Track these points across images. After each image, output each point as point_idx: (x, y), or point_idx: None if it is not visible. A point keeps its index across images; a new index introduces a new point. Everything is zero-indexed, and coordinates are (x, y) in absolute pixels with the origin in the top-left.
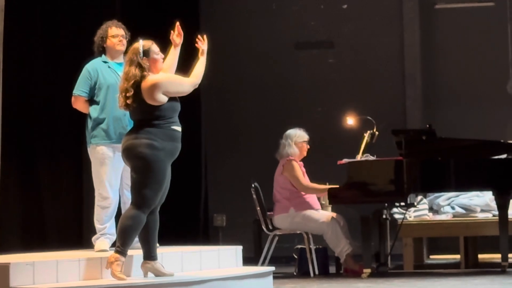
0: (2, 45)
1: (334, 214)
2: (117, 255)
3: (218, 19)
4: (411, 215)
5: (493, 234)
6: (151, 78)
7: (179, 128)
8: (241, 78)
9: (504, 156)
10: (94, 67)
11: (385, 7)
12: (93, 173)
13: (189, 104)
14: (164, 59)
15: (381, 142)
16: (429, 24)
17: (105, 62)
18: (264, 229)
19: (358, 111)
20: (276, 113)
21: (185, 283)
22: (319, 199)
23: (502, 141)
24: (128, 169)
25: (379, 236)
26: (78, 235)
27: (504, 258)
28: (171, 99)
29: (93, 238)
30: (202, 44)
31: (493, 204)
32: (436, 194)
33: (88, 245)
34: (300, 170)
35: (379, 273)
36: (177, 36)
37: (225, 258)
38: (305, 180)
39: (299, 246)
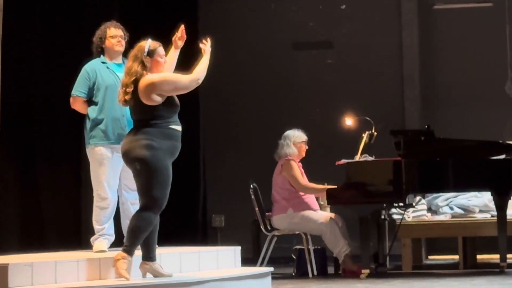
0: (1, 45)
1: (332, 215)
2: (124, 254)
3: (216, 19)
4: (410, 215)
5: (492, 235)
6: (147, 78)
7: (178, 128)
8: (239, 79)
9: (502, 156)
10: (92, 67)
11: (383, 7)
12: (92, 174)
13: (188, 104)
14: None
15: (380, 143)
16: (427, 24)
17: (103, 62)
18: (263, 229)
19: (357, 112)
20: (274, 114)
21: (183, 284)
22: (317, 199)
23: (500, 141)
24: (126, 170)
25: (377, 236)
26: (76, 235)
27: (503, 258)
28: (169, 98)
29: (92, 239)
30: (205, 46)
31: (492, 205)
32: (435, 195)
33: (87, 245)
34: (298, 170)
35: (377, 274)
36: (179, 39)
37: (224, 258)
38: (303, 180)
39: (298, 247)
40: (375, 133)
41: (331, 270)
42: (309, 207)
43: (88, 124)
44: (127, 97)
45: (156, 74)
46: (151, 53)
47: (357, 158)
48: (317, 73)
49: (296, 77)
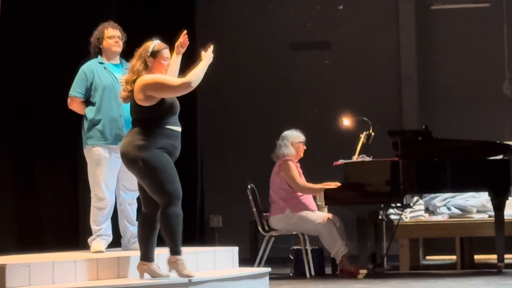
0: None
1: (330, 215)
2: (175, 256)
3: (214, 20)
4: (407, 216)
5: (489, 235)
6: (142, 78)
7: (177, 128)
8: (237, 79)
9: (500, 157)
10: (90, 68)
11: (381, 8)
12: (89, 174)
13: (186, 105)
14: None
15: (377, 143)
16: (425, 25)
17: (101, 63)
18: (260, 230)
19: (354, 112)
20: (273, 114)
21: (181, 284)
22: (315, 199)
23: (498, 142)
24: (124, 170)
25: (375, 237)
26: (74, 236)
27: (500, 259)
28: (167, 99)
29: (89, 239)
30: (205, 51)
31: (489, 205)
32: (432, 195)
33: (84, 246)
34: (296, 170)
35: (375, 274)
36: (181, 45)
37: (221, 259)
38: (301, 180)
39: (295, 247)
40: (373, 134)
41: (328, 270)
42: (306, 208)
43: (85, 125)
44: (125, 94)
45: (150, 75)
46: (154, 54)
47: (355, 158)
48: (315, 73)
49: (294, 77)
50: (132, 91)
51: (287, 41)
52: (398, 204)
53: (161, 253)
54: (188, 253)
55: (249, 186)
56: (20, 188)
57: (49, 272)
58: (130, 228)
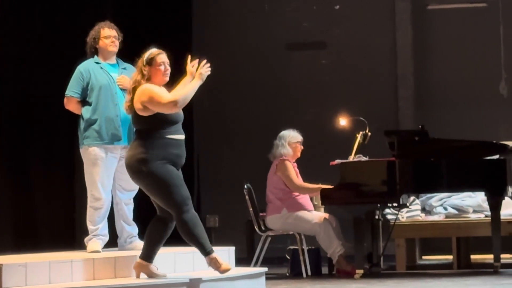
0: None
1: (326, 215)
2: (208, 256)
3: (210, 20)
4: (404, 215)
5: (486, 235)
6: (140, 88)
7: (179, 137)
8: (233, 79)
9: (496, 156)
10: (86, 68)
11: (377, 7)
12: (86, 174)
13: None
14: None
15: (374, 143)
16: (421, 24)
17: (97, 63)
18: (257, 230)
19: (351, 112)
20: (268, 114)
21: (177, 284)
22: (311, 199)
23: (494, 141)
24: (121, 170)
25: (371, 236)
26: (70, 236)
27: (497, 258)
28: None
29: (86, 239)
30: (192, 66)
31: (486, 205)
32: (429, 195)
33: (81, 246)
34: (293, 170)
35: (371, 274)
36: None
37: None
38: (298, 180)
39: (292, 247)
40: (369, 133)
41: (325, 270)
42: (303, 208)
43: (82, 125)
44: (127, 104)
45: (148, 85)
46: (149, 62)
47: (351, 158)
48: (311, 73)
49: (291, 77)
50: (132, 100)
51: (283, 41)
52: (395, 204)
53: (158, 253)
54: (185, 253)
55: (245, 186)
56: (16, 188)
57: (46, 272)
58: (127, 228)
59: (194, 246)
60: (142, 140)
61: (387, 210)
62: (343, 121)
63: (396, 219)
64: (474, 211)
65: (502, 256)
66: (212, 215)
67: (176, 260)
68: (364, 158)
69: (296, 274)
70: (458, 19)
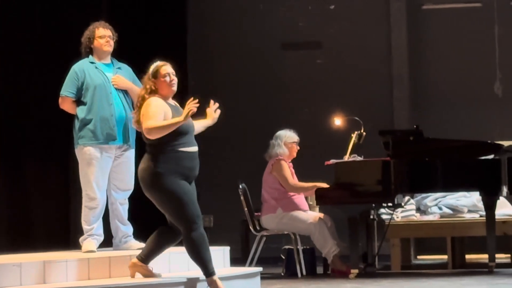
0: None
1: (321, 215)
2: (210, 278)
3: (205, 20)
4: (399, 215)
5: (480, 235)
6: (145, 103)
7: (190, 149)
8: (228, 79)
9: (491, 156)
10: (81, 67)
11: (372, 7)
12: (81, 174)
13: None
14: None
15: (369, 143)
16: (416, 24)
17: (92, 62)
18: (252, 229)
19: (346, 112)
20: (263, 114)
21: (172, 284)
22: (306, 199)
23: (489, 141)
24: (116, 170)
25: (366, 236)
26: (65, 235)
27: (491, 258)
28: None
29: (81, 239)
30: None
31: (480, 205)
32: (424, 195)
33: (76, 246)
34: (288, 170)
35: (366, 274)
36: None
37: (213, 258)
38: (293, 180)
39: (287, 247)
40: (364, 133)
41: (320, 270)
42: (298, 207)
43: (76, 124)
44: (134, 120)
45: (150, 100)
46: (155, 75)
47: (346, 158)
48: (307, 73)
49: (286, 77)
50: (138, 115)
51: (278, 40)
52: (390, 204)
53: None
54: (180, 253)
55: (240, 186)
56: (11, 188)
57: (40, 272)
58: (122, 227)
59: (197, 265)
60: (154, 154)
61: (382, 210)
62: (338, 121)
63: (391, 219)
64: (469, 211)
65: (497, 255)
66: (207, 215)
67: (171, 260)
68: (359, 158)
69: (291, 274)
70: (453, 19)
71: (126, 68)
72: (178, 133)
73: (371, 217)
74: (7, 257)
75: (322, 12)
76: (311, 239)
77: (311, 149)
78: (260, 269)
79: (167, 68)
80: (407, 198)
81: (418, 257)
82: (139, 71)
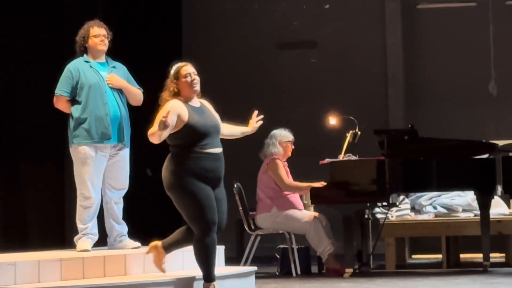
0: None
1: (316, 214)
2: (208, 283)
3: (200, 19)
4: (393, 215)
5: (475, 234)
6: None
7: (211, 150)
8: (223, 78)
9: (486, 156)
10: (76, 67)
11: (367, 7)
12: (75, 173)
13: None
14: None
15: (364, 142)
16: (411, 24)
17: (87, 61)
18: (247, 229)
19: (341, 111)
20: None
21: (167, 283)
22: (301, 198)
23: (484, 141)
24: (110, 169)
25: (361, 235)
26: (60, 235)
27: (486, 257)
28: (190, 122)
29: (75, 238)
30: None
31: (475, 204)
32: (418, 194)
33: (70, 245)
34: (283, 169)
35: (361, 273)
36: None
37: None
38: (288, 179)
39: (281, 246)
40: (359, 132)
41: (314, 269)
42: (293, 206)
43: (71, 124)
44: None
45: (168, 104)
46: (176, 76)
47: (341, 157)
48: (301, 72)
49: (281, 76)
50: None
51: (273, 40)
52: (384, 203)
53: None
54: (174, 252)
55: (235, 185)
56: (5, 187)
57: (35, 271)
58: (116, 226)
59: (200, 268)
60: (174, 154)
61: (377, 209)
62: (333, 120)
63: (385, 218)
64: (464, 210)
65: (491, 255)
66: None
67: (166, 259)
68: (354, 157)
69: (285, 273)
70: (447, 19)
71: (120, 67)
72: (195, 135)
73: (366, 216)
74: (2, 256)
75: (317, 11)
76: (306, 238)
77: (306, 148)
78: (254, 268)
79: (187, 69)
80: (401, 197)
81: (413, 256)
82: (134, 70)
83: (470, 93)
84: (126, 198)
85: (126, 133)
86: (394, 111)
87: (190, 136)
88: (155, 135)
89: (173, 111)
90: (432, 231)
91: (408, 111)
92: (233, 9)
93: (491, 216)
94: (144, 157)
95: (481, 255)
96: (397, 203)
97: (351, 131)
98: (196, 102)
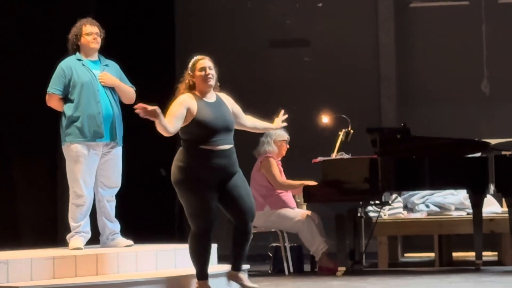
0: None
1: (309, 212)
2: (199, 281)
3: (193, 17)
4: (386, 213)
5: (467, 232)
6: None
7: (213, 147)
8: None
9: (478, 154)
10: (68, 65)
11: (360, 5)
12: (68, 171)
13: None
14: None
15: (356, 141)
16: (404, 22)
17: (79, 60)
18: None
19: (333, 110)
20: (251, 111)
21: (159, 281)
22: (294, 197)
23: (476, 139)
24: (103, 167)
25: (353, 234)
26: (52, 233)
27: (478, 256)
28: (198, 118)
29: (68, 236)
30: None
31: (467, 203)
32: (411, 193)
33: (63, 243)
34: (277, 168)
35: (353, 271)
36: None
37: None
38: (281, 177)
39: (274, 244)
40: (352, 131)
41: (307, 267)
42: (286, 205)
43: (64, 122)
44: None
45: (178, 98)
46: (192, 69)
47: (334, 155)
48: (294, 71)
49: (273, 74)
50: None
51: (266, 38)
52: (377, 202)
53: (140, 250)
54: (167, 250)
55: None
56: None
57: (27, 269)
58: (109, 225)
59: (193, 264)
60: (184, 148)
61: (370, 208)
62: (325, 119)
63: (378, 217)
64: (456, 209)
65: (484, 253)
66: None
67: (158, 257)
68: (346, 156)
69: (278, 271)
70: (440, 17)
71: (113, 65)
72: (202, 131)
73: (359, 214)
74: None
75: (310, 10)
76: (298, 236)
77: (298, 147)
78: (247, 266)
79: (204, 62)
80: (394, 196)
81: (405, 254)
82: (126, 68)
83: (463, 91)
84: (119, 196)
85: (118, 131)
86: (386, 110)
87: (197, 131)
88: (159, 127)
89: (183, 104)
90: (425, 229)
91: (401, 110)
92: (225, 8)
93: (483, 215)
94: (137, 155)
95: (473, 253)
96: (390, 202)
97: (343, 130)
98: (212, 96)
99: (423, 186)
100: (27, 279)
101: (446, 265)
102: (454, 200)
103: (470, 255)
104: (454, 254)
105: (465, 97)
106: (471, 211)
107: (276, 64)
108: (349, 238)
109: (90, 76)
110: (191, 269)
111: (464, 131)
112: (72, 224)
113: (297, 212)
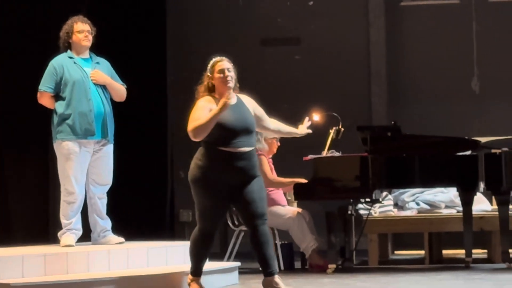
0: None
1: (299, 210)
2: (190, 275)
3: (184, 15)
4: (376, 211)
5: (457, 230)
6: (194, 107)
7: (232, 149)
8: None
9: (468, 152)
10: (59, 62)
11: (351, 4)
12: (59, 169)
13: (156, 100)
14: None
15: (347, 138)
16: (394, 21)
17: (70, 57)
18: (230, 224)
19: (324, 107)
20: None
21: (153, 276)
22: (285, 194)
23: (466, 137)
24: (94, 165)
25: (344, 231)
26: (44, 230)
27: (468, 253)
28: (220, 121)
29: (59, 233)
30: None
31: (458, 200)
32: (401, 190)
33: (54, 240)
34: (268, 165)
35: (344, 269)
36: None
37: None
38: (272, 175)
39: None
40: (342, 129)
41: (298, 265)
42: (277, 203)
43: (55, 119)
44: None
45: (199, 102)
46: (211, 71)
47: (324, 153)
48: (285, 69)
49: (264, 72)
50: None
51: (257, 36)
52: (367, 199)
53: (131, 247)
54: (158, 247)
55: None
56: None
57: (19, 266)
58: (100, 222)
59: (190, 259)
60: (203, 149)
61: (360, 205)
62: (316, 117)
63: (368, 214)
64: (446, 207)
65: (474, 251)
66: (185, 210)
67: (149, 255)
68: (337, 154)
69: None
70: (431, 16)
71: (104, 63)
72: (220, 133)
73: (349, 212)
74: None
75: (301, 8)
76: (289, 233)
77: (289, 145)
78: (238, 263)
79: (222, 64)
80: (384, 193)
81: (396, 252)
82: (118, 66)
83: (453, 90)
84: (110, 193)
85: (110, 129)
86: (377, 108)
87: (217, 133)
88: (211, 122)
89: (205, 107)
90: (415, 227)
91: (391, 108)
92: (217, 6)
93: (473, 213)
94: (128, 153)
95: (463, 251)
96: (380, 199)
97: (334, 128)
98: (232, 98)
99: (414, 184)
100: (18, 276)
101: (436, 262)
102: (444, 198)
103: (460, 252)
104: (444, 251)
105: (456, 95)
106: (461, 209)
107: (267, 62)
108: (340, 236)
109: (81, 74)
110: (182, 266)
111: (454, 129)
112: (63, 221)
113: (287, 209)
